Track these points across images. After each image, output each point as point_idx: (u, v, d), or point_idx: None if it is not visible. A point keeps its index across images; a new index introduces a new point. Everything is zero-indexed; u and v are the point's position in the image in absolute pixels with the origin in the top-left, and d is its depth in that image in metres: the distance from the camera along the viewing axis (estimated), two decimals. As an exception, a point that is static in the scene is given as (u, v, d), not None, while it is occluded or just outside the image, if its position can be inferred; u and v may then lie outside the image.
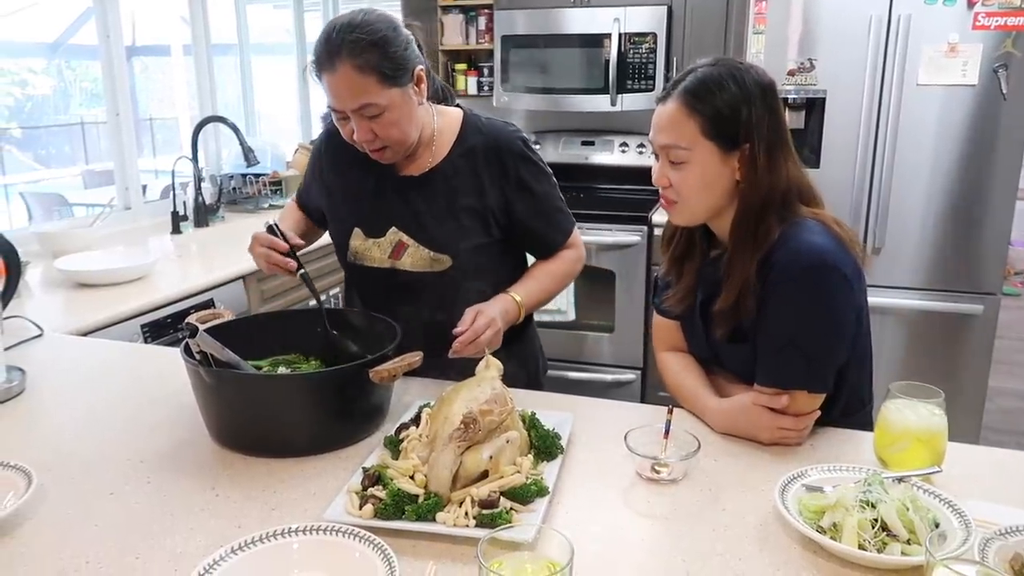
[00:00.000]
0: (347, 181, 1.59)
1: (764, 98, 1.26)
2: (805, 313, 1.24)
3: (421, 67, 1.44)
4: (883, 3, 2.82)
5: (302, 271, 1.44)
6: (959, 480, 1.13)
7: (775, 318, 1.25)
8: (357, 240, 1.57)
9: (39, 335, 1.78)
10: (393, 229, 1.54)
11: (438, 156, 1.54)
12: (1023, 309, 5.32)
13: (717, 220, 1.33)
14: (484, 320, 1.41)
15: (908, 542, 0.95)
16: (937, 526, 0.97)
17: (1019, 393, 3.95)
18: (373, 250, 1.55)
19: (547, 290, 1.59)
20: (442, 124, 1.55)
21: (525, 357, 1.68)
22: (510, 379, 1.26)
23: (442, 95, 1.63)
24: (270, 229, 1.47)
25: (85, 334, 1.93)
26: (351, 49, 1.34)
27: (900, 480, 1.05)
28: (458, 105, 1.62)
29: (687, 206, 1.30)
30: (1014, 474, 1.20)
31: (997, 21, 2.74)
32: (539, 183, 1.57)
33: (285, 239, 1.45)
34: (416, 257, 1.53)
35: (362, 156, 1.51)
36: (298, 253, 1.48)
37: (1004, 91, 2.77)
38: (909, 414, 1.14)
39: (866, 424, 1.39)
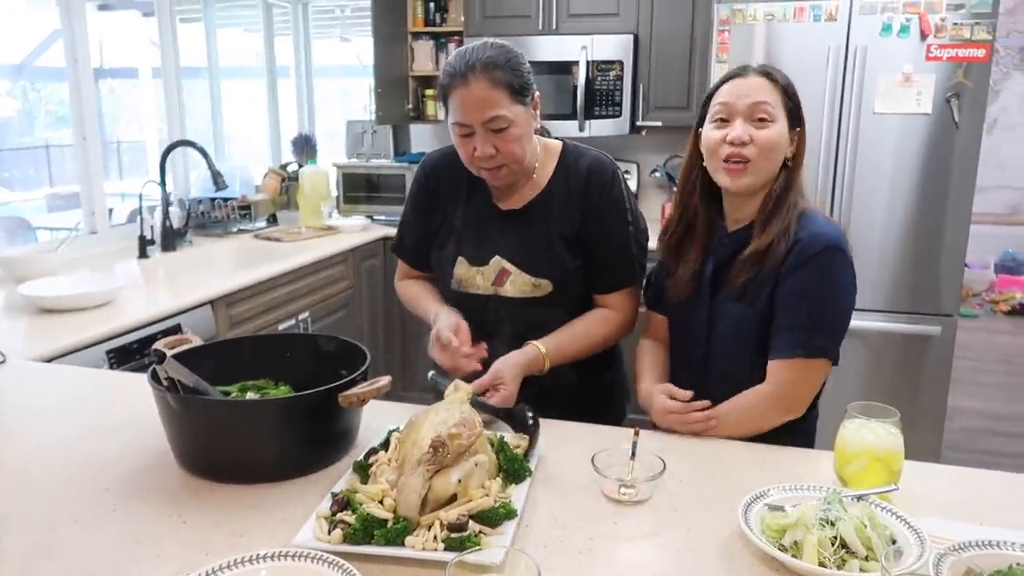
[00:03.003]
0: (452, 215, 1.66)
1: None
2: (830, 287, 1.39)
3: (538, 92, 1.54)
4: (841, 34, 2.92)
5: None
6: (916, 497, 1.16)
7: (800, 291, 1.38)
8: (461, 268, 1.63)
9: (2, 361, 1.76)
10: (496, 258, 1.60)
11: (537, 188, 1.61)
12: (980, 330, 5.46)
13: (754, 196, 1.45)
14: (501, 383, 1.46)
15: (866, 559, 0.97)
16: (894, 543, 1.00)
17: (978, 412, 4.04)
18: (477, 278, 1.62)
19: (577, 350, 1.59)
20: (543, 157, 1.62)
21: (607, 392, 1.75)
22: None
23: (541, 130, 1.68)
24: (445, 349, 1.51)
25: (49, 360, 1.90)
26: (486, 65, 1.44)
27: (859, 498, 1.08)
28: (558, 138, 1.68)
29: (759, 165, 1.41)
30: (969, 491, 1.24)
31: (949, 53, 2.84)
32: (612, 217, 1.59)
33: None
34: (518, 284, 1.59)
35: (464, 194, 1.63)
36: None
37: (956, 120, 2.87)
38: (866, 434, 1.18)
39: (811, 430, 1.50)
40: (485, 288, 1.61)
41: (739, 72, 1.45)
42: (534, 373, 1.53)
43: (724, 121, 1.42)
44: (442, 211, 1.67)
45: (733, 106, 1.41)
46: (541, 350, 1.54)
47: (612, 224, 1.59)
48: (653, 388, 1.47)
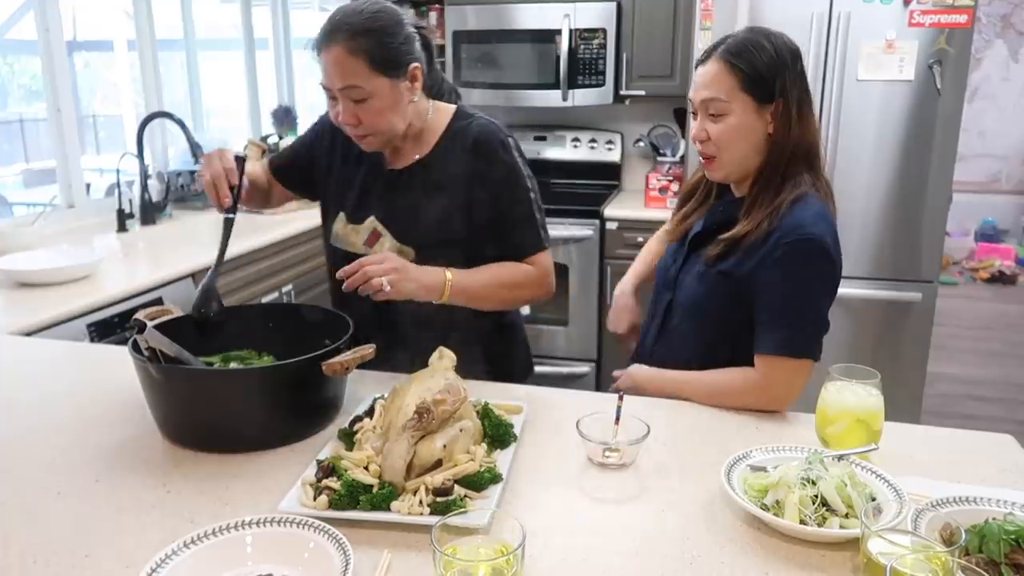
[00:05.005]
0: (343, 168, 1.64)
1: (794, 60, 1.41)
2: (808, 286, 1.37)
3: (417, 65, 1.47)
4: (824, 0, 2.90)
5: (231, 216, 1.42)
6: (895, 457, 1.18)
7: (781, 288, 1.36)
8: (340, 224, 1.62)
9: (-21, 336, 1.74)
10: (371, 218, 1.59)
11: (423, 151, 1.57)
12: (960, 297, 5.52)
13: (745, 179, 1.46)
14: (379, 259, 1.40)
15: (846, 516, 0.99)
16: (874, 500, 1.01)
17: (957, 378, 4.10)
18: (352, 235, 1.61)
19: (486, 287, 1.53)
20: (434, 120, 1.58)
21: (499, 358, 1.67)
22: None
23: (447, 92, 1.65)
24: (238, 159, 1.43)
25: (29, 335, 1.88)
26: (347, 31, 1.40)
27: (839, 458, 1.09)
28: (456, 102, 1.64)
29: (723, 159, 1.43)
30: (946, 450, 1.26)
31: (931, 19, 2.84)
32: (506, 185, 1.55)
33: (241, 176, 1.43)
34: (385, 247, 1.57)
35: (359, 150, 1.55)
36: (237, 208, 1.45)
37: (939, 86, 2.87)
38: (848, 395, 1.19)
39: None
40: (358, 248, 1.59)
41: (704, 57, 1.43)
42: (432, 299, 1.45)
43: (695, 113, 1.46)
44: (339, 162, 1.64)
45: (693, 101, 1.44)
46: (447, 275, 1.46)
47: (507, 192, 1.55)
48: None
